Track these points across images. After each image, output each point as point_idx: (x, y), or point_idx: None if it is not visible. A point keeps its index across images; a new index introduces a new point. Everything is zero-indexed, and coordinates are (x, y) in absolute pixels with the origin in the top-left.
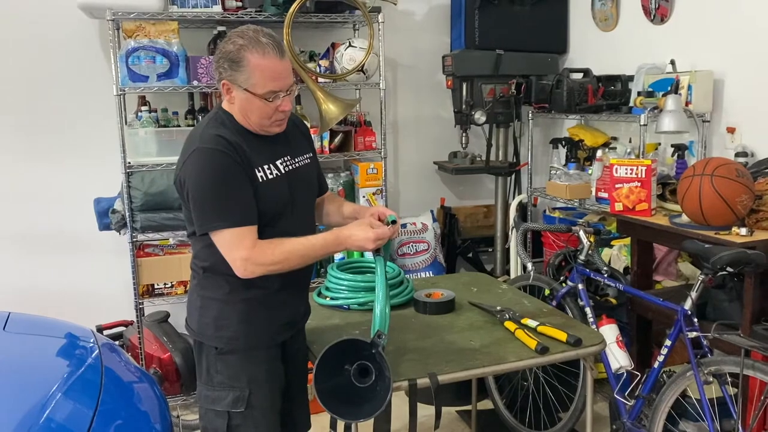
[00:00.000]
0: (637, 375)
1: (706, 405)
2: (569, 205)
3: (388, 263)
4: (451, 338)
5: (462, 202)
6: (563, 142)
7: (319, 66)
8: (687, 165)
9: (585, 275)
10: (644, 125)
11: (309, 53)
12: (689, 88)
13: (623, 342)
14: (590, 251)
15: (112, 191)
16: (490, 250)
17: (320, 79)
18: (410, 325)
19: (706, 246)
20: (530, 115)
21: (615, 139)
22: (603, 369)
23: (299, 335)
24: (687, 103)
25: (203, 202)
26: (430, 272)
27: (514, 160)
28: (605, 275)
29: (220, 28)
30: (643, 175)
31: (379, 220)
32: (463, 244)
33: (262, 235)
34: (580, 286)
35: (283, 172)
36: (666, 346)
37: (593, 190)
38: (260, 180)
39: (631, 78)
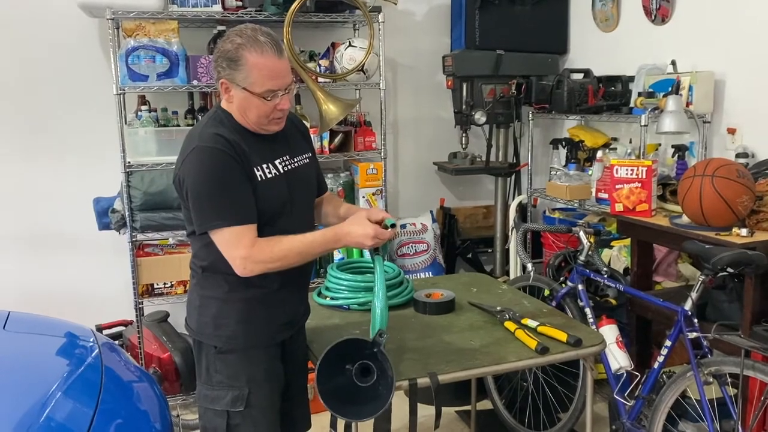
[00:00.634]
0: (637, 375)
1: (706, 405)
2: (569, 206)
3: (388, 263)
4: (451, 338)
5: (462, 202)
6: (563, 143)
7: (319, 66)
8: (687, 166)
9: (585, 276)
10: (645, 126)
11: (309, 53)
12: (690, 88)
13: (623, 342)
14: (590, 252)
15: (111, 191)
16: (489, 250)
17: (320, 79)
18: (410, 325)
19: (707, 247)
20: (530, 115)
21: (615, 139)
22: (603, 369)
23: (299, 335)
24: (688, 104)
25: (202, 200)
26: (430, 273)
27: (514, 161)
28: (605, 276)
29: (220, 28)
30: (644, 176)
31: (378, 224)
32: (462, 244)
33: (261, 234)
34: (580, 287)
35: (281, 171)
36: (666, 347)
37: (593, 190)
38: (259, 179)
39: (631, 78)
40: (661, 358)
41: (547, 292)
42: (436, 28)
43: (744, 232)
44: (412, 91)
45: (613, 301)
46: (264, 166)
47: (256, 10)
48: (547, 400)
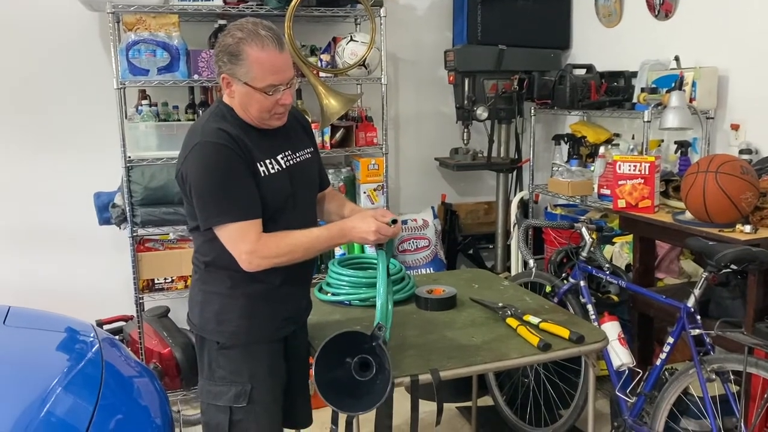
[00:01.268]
0: (639, 372)
1: (708, 403)
2: (571, 202)
3: (392, 260)
4: (452, 334)
5: (463, 198)
6: (565, 139)
7: (321, 60)
8: (690, 162)
9: (587, 272)
10: (648, 122)
11: (310, 47)
12: (693, 84)
13: (625, 339)
14: (592, 248)
15: (112, 185)
16: (490, 246)
17: (321, 74)
18: (412, 321)
19: (710, 243)
20: (532, 111)
21: (617, 135)
22: (604, 366)
23: (301, 331)
24: (691, 100)
25: (206, 196)
26: (431, 269)
27: (516, 157)
28: (607, 272)
29: (221, 22)
30: (647, 172)
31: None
32: (463, 240)
33: (265, 230)
34: (582, 283)
35: (284, 166)
36: (668, 344)
37: (595, 186)
38: (262, 174)
39: (634, 74)
40: (663, 355)
41: (548, 289)
42: (438, 23)
43: (748, 228)
44: (413, 87)
45: (615, 298)
46: (267, 161)
47: (257, 5)
48: (549, 396)
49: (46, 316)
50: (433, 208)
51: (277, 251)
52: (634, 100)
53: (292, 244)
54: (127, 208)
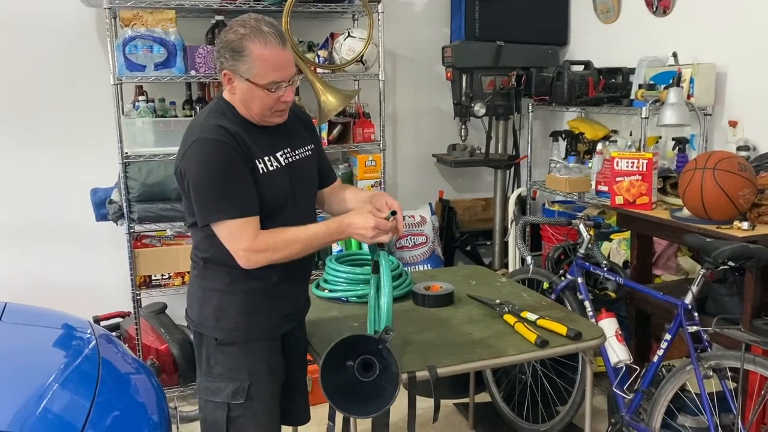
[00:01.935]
0: (636, 369)
1: (705, 399)
2: (568, 199)
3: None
4: (450, 331)
5: (460, 195)
6: (563, 135)
7: (318, 56)
8: (688, 158)
9: (584, 269)
10: (646, 118)
11: (308, 43)
12: (691, 80)
13: (622, 336)
14: (590, 245)
15: (109, 182)
16: (488, 243)
17: (319, 70)
18: (409, 318)
19: (708, 240)
20: (530, 107)
21: (615, 132)
22: (602, 363)
23: (299, 328)
24: (689, 96)
25: (205, 193)
26: (428, 265)
27: (514, 153)
28: (605, 269)
29: (218, 17)
30: (644, 169)
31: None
32: (461, 237)
33: (263, 227)
34: (580, 280)
35: (283, 164)
36: (666, 340)
37: (593, 183)
38: (261, 171)
39: (632, 70)
40: (660, 352)
41: (546, 285)
42: (436, 19)
43: (745, 225)
44: (411, 83)
45: (613, 295)
46: (266, 158)
47: (255, 0)
48: (546, 392)
49: (43, 312)
50: (430, 204)
51: (274, 247)
52: (632, 97)
53: (290, 240)
54: (124, 205)
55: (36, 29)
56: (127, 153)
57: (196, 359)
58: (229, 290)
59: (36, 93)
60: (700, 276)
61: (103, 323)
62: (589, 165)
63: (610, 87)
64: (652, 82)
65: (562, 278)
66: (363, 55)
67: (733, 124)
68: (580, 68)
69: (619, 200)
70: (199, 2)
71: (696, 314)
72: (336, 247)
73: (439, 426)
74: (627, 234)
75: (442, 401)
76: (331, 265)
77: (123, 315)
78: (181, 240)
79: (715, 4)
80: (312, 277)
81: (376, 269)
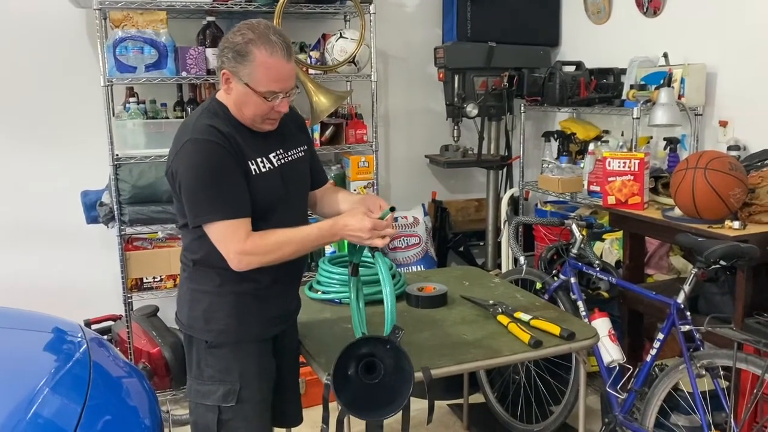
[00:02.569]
0: (629, 368)
1: (698, 398)
2: (561, 199)
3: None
4: (443, 332)
5: (453, 195)
6: (555, 136)
7: (310, 57)
8: (679, 158)
9: (577, 269)
10: (637, 118)
11: (299, 44)
12: (682, 81)
13: (615, 335)
14: (582, 245)
15: (99, 184)
16: (481, 243)
17: (311, 71)
18: (403, 319)
19: (699, 239)
20: (522, 108)
21: (607, 132)
22: (594, 362)
23: (291, 329)
24: (680, 96)
25: (196, 194)
26: (422, 266)
27: (506, 154)
28: (597, 269)
29: (210, 18)
30: (636, 169)
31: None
32: (454, 237)
33: (255, 228)
34: (573, 280)
35: (275, 165)
36: (658, 340)
37: (585, 183)
38: (253, 173)
39: (623, 71)
40: (653, 351)
41: (539, 285)
42: (428, 20)
43: (736, 224)
44: (403, 84)
45: (605, 294)
46: (258, 159)
47: (246, 1)
48: (539, 393)
49: (33, 316)
50: (423, 205)
51: (266, 249)
52: (623, 97)
53: (282, 242)
54: (115, 207)
55: (24, 31)
56: (117, 155)
57: (187, 362)
58: (219, 292)
59: (25, 95)
60: (692, 275)
61: (94, 326)
62: (581, 165)
63: (602, 87)
64: (643, 83)
65: (555, 278)
66: (355, 56)
67: (723, 124)
68: (571, 69)
69: (611, 200)
70: (190, 3)
71: (688, 313)
72: (329, 249)
73: (432, 427)
74: (619, 234)
75: (436, 402)
76: (324, 266)
77: (114, 318)
78: (173, 242)
79: (705, 5)
80: (305, 279)
81: (354, 272)
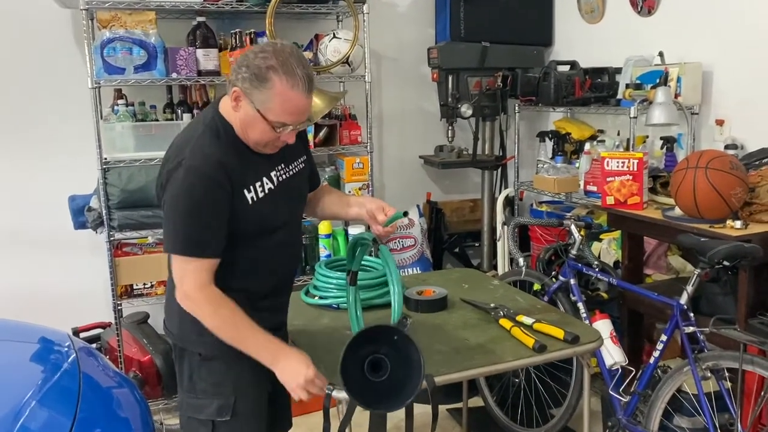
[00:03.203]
0: (632, 371)
1: (704, 400)
2: (556, 199)
3: (375, 260)
4: (445, 337)
5: (448, 196)
6: (550, 135)
7: None
8: (676, 157)
9: (577, 270)
10: (634, 118)
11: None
12: (678, 80)
13: (617, 337)
14: (581, 245)
15: (87, 188)
16: (476, 244)
17: None
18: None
19: (703, 240)
20: (516, 108)
21: (601, 132)
22: (595, 364)
23: (283, 336)
24: (676, 95)
25: (174, 222)
26: (418, 268)
27: (501, 154)
28: (597, 269)
29: (200, 19)
30: (635, 168)
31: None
32: (449, 239)
33: (253, 250)
34: (572, 281)
35: (275, 185)
36: (661, 342)
37: (581, 183)
38: (250, 201)
39: (618, 70)
40: (656, 353)
41: (537, 287)
42: (421, 20)
43: (738, 224)
44: (396, 84)
45: (605, 295)
46: (257, 184)
47: (237, 1)
48: (540, 396)
49: (18, 326)
50: (418, 206)
51: (211, 312)
52: (619, 96)
53: (230, 323)
54: (104, 212)
55: (10, 32)
56: (106, 158)
57: (177, 375)
58: None
59: (11, 98)
60: (696, 276)
61: (82, 335)
62: (576, 165)
63: (597, 87)
64: (638, 82)
65: (554, 280)
66: (349, 56)
67: (720, 122)
68: (566, 68)
69: (610, 200)
70: (180, 3)
71: (692, 315)
72: (324, 252)
73: None
74: (616, 234)
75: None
76: (321, 271)
77: (104, 326)
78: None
79: (699, 4)
80: (300, 283)
81: (353, 281)
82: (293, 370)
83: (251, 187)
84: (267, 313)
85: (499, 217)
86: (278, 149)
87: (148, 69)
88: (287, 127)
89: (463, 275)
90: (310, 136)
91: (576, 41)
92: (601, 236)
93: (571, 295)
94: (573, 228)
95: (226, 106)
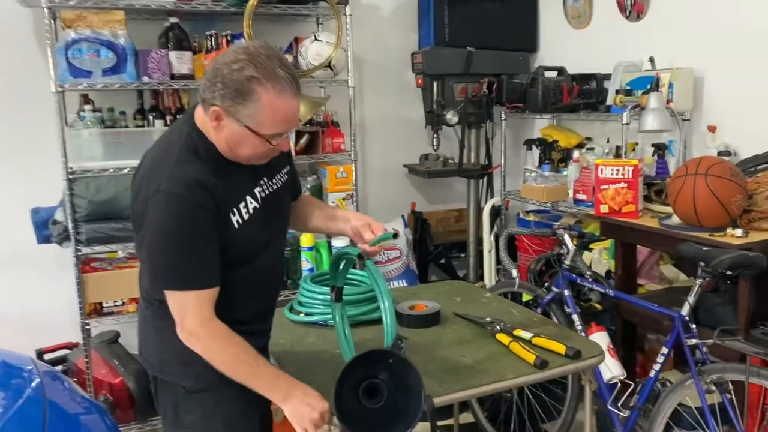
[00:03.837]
0: (630, 384)
1: (708, 414)
2: (543, 208)
3: (362, 273)
4: (440, 354)
5: (433, 206)
6: (537, 143)
7: None
8: (667, 165)
9: (571, 280)
10: (627, 124)
11: None
12: (670, 85)
13: (614, 350)
14: (575, 255)
15: (52, 200)
16: (462, 255)
17: None
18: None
19: (705, 249)
20: (503, 115)
21: (589, 139)
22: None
23: (265, 355)
24: (668, 101)
25: (165, 257)
26: (404, 281)
27: (486, 163)
28: (590, 280)
29: (173, 20)
30: (630, 176)
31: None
32: (435, 249)
33: (238, 275)
34: (567, 293)
35: (260, 201)
36: (662, 354)
37: (570, 191)
38: (236, 224)
39: (606, 76)
40: (657, 366)
41: (526, 297)
42: (404, 24)
43: (739, 232)
44: (379, 90)
45: (598, 306)
46: (241, 205)
47: (212, 2)
48: (533, 411)
49: None
50: (403, 217)
51: (217, 349)
52: (609, 103)
53: (237, 361)
54: (70, 225)
55: None
56: (72, 168)
57: (158, 407)
58: None
59: None
60: (697, 286)
61: (47, 356)
62: (564, 173)
63: (585, 93)
64: (628, 88)
65: (547, 291)
66: (331, 59)
67: (712, 129)
68: (553, 74)
69: (604, 209)
70: (151, 2)
71: (693, 326)
72: (307, 265)
73: None
74: (607, 243)
75: (423, 424)
76: (305, 285)
77: (70, 346)
78: (135, 262)
79: (688, 9)
80: (284, 299)
81: (338, 297)
82: (301, 414)
83: (235, 210)
84: (251, 338)
85: (486, 227)
86: (271, 158)
87: (117, 72)
88: (282, 135)
89: (454, 288)
90: (291, 144)
91: (562, 47)
92: (591, 245)
93: (565, 306)
94: (566, 238)
95: (202, 120)
